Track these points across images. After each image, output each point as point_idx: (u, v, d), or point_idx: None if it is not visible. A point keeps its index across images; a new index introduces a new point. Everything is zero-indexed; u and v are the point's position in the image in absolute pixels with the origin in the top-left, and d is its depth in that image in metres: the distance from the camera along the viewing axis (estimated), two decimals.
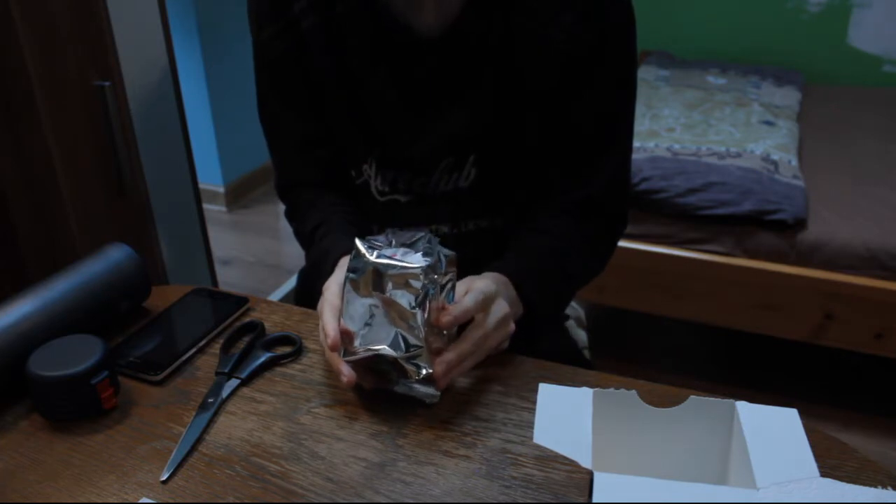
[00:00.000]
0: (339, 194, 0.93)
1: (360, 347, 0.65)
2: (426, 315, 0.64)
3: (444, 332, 0.67)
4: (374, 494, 0.59)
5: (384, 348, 0.64)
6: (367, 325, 0.65)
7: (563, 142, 0.88)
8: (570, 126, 0.87)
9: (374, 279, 0.64)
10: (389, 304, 0.64)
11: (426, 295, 0.63)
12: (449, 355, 0.66)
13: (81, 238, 1.32)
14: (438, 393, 0.68)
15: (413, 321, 0.64)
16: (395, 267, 0.64)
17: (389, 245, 0.66)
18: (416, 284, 0.63)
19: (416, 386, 0.67)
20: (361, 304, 0.65)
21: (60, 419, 0.67)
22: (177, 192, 1.46)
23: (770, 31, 2.64)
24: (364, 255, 0.65)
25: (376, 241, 0.67)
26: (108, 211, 1.34)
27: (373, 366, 0.68)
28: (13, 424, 0.67)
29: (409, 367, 0.65)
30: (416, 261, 0.64)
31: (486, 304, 0.70)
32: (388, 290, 0.64)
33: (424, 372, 0.65)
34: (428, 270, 0.64)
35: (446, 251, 0.67)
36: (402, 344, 0.64)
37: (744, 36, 2.68)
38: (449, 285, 0.67)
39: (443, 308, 0.66)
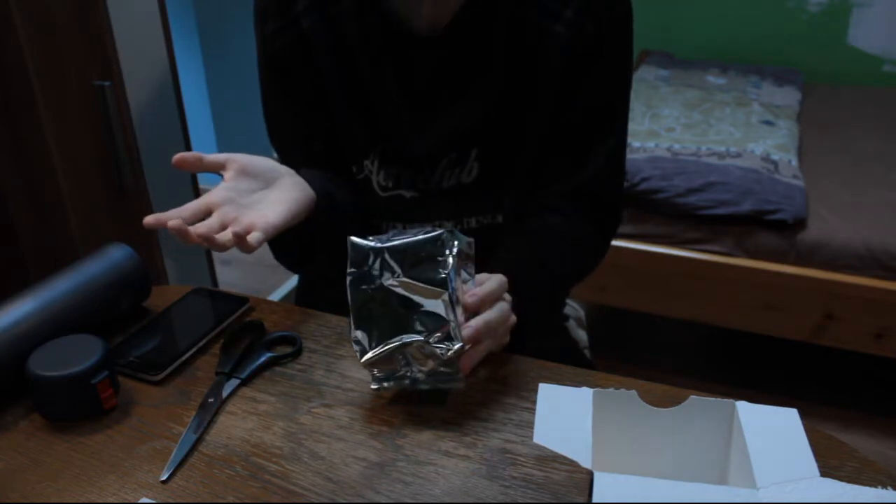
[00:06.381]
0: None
1: (383, 343, 0.64)
2: (453, 293, 0.63)
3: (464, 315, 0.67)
4: (374, 494, 0.59)
5: (409, 336, 0.64)
6: (379, 319, 0.64)
7: (560, 132, 0.88)
8: (567, 117, 0.87)
9: (383, 268, 0.64)
10: (407, 289, 0.63)
11: (451, 275, 0.63)
12: (477, 320, 0.66)
13: (81, 238, 1.32)
14: (462, 377, 0.67)
15: (443, 297, 0.63)
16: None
17: (394, 238, 0.65)
18: (441, 266, 0.63)
19: (441, 371, 0.66)
20: (371, 299, 0.64)
21: (60, 419, 0.67)
22: (177, 192, 1.46)
23: (770, 31, 2.64)
24: (366, 250, 0.64)
25: (378, 238, 0.66)
26: (108, 211, 1.34)
27: (394, 361, 0.66)
28: (13, 424, 0.67)
29: (437, 348, 0.63)
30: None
31: (504, 288, 0.71)
32: (403, 277, 0.63)
33: (457, 346, 0.63)
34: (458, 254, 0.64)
35: (465, 238, 0.67)
36: (425, 326, 0.63)
37: (744, 36, 2.67)
38: (468, 270, 0.68)
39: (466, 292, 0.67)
